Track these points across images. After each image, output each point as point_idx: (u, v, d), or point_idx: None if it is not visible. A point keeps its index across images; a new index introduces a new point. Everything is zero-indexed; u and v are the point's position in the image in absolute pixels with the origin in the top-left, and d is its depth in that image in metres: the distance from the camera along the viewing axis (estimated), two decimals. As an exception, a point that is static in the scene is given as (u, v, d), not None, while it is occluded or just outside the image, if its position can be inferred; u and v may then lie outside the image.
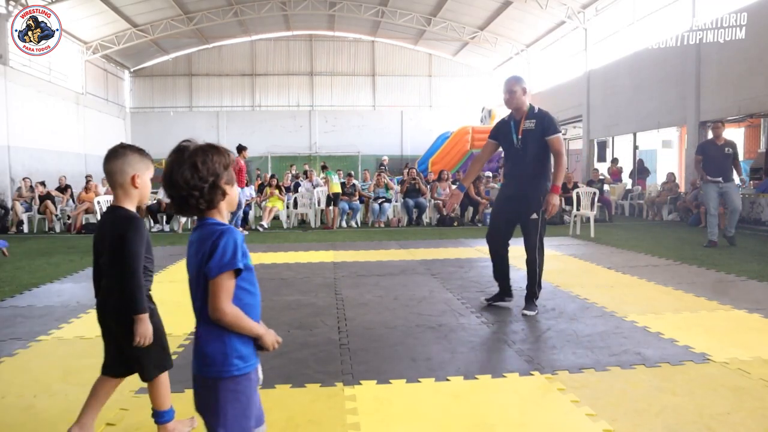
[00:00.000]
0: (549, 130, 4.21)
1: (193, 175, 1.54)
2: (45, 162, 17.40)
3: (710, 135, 8.25)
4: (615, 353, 3.30)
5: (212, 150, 1.59)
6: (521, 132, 4.27)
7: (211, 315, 1.53)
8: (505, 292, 4.53)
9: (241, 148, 10.59)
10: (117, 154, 2.18)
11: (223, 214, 1.63)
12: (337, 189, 11.65)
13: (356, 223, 12.27)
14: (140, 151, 2.23)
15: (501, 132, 4.44)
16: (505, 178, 4.55)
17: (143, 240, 2.13)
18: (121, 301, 2.11)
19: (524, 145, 4.26)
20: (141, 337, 2.11)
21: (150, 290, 2.26)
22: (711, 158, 7.84)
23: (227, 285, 1.52)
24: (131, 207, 2.20)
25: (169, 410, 2.30)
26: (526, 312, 4.26)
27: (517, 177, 4.34)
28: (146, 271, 2.18)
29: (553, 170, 4.25)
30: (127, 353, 2.20)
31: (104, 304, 2.19)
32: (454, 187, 12.08)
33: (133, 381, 2.92)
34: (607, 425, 2.38)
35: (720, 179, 7.77)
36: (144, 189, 2.22)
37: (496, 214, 4.57)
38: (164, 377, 2.29)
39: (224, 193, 1.60)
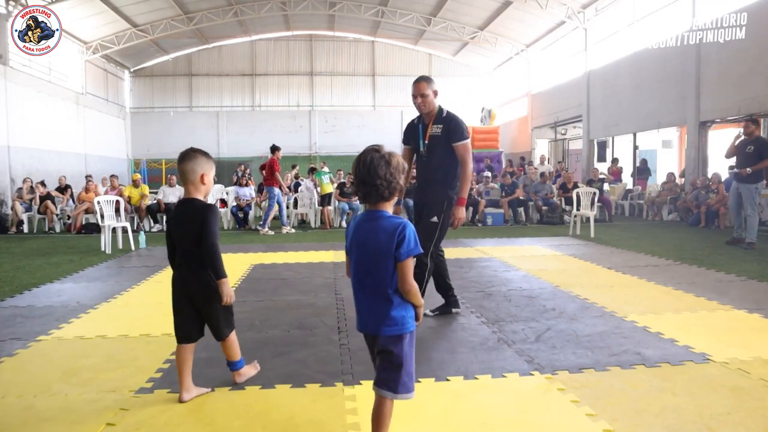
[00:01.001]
0: (455, 137, 3.98)
1: (387, 170, 2.01)
2: (45, 162, 17.39)
3: None
4: (615, 353, 3.30)
5: (397, 155, 2.07)
6: (428, 137, 4.05)
7: (402, 287, 2.01)
8: (451, 303, 4.30)
9: (275, 148, 10.98)
10: (189, 157, 2.69)
11: (390, 208, 2.09)
12: (329, 189, 11.87)
13: (356, 223, 12.27)
14: (206, 154, 2.74)
15: (411, 136, 4.21)
16: (416, 185, 4.30)
17: (218, 222, 2.66)
18: (203, 275, 2.63)
19: (430, 151, 4.06)
20: (227, 296, 2.66)
21: None
22: (737, 155, 7.84)
23: (412, 265, 2.01)
24: (201, 198, 2.71)
25: (240, 360, 2.84)
26: (428, 312, 4.17)
27: (425, 183, 4.13)
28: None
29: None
30: (206, 318, 2.72)
31: (187, 278, 2.67)
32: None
33: (134, 381, 2.92)
34: (607, 425, 2.38)
35: (738, 170, 7.71)
36: (209, 185, 2.72)
37: (416, 224, 4.22)
38: (233, 335, 2.81)
39: (401, 191, 2.08)
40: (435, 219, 4.00)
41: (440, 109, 4.10)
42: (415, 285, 2.02)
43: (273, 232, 10.64)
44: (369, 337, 2.12)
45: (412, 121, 4.29)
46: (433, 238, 4.00)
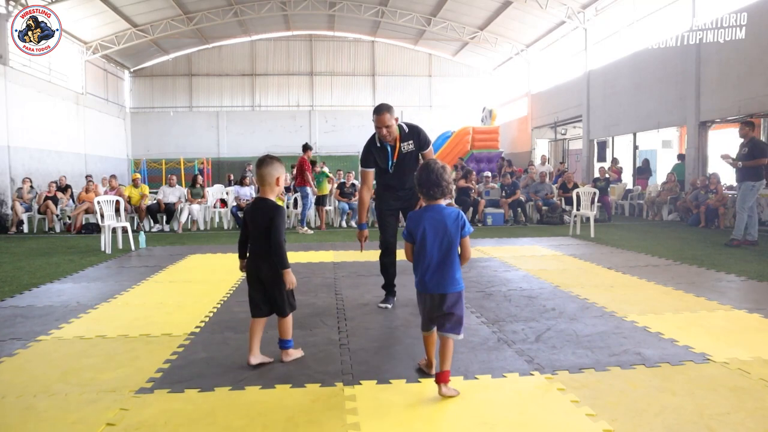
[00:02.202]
0: (425, 145, 4.35)
1: (448, 175, 2.80)
2: (45, 162, 17.40)
3: None
4: (615, 353, 3.30)
5: (447, 165, 2.88)
6: (397, 155, 4.30)
7: (465, 255, 2.79)
8: (394, 291, 4.66)
9: (306, 147, 11.15)
10: (267, 163, 3.19)
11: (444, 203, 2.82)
12: (325, 190, 12.06)
13: (356, 223, 12.27)
14: (279, 160, 3.27)
15: (381, 159, 4.37)
16: (386, 191, 4.49)
17: (284, 221, 3.17)
18: (271, 262, 3.11)
19: (399, 168, 4.33)
20: (289, 283, 3.13)
21: None
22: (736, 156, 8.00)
23: (469, 240, 2.80)
24: (273, 198, 3.21)
25: (290, 340, 3.25)
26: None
27: (399, 191, 4.43)
28: None
29: None
30: (271, 298, 3.16)
31: (258, 265, 3.15)
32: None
33: (134, 381, 2.92)
34: (607, 425, 2.38)
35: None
36: (281, 186, 3.24)
37: (388, 226, 4.49)
38: (291, 317, 3.23)
39: (452, 189, 2.85)
40: None
41: (400, 127, 4.29)
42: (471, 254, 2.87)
43: (312, 231, 10.85)
44: (430, 298, 2.76)
45: (374, 143, 4.37)
46: None
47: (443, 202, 2.82)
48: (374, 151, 4.37)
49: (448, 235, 2.73)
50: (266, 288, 3.16)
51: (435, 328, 2.81)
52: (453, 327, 2.74)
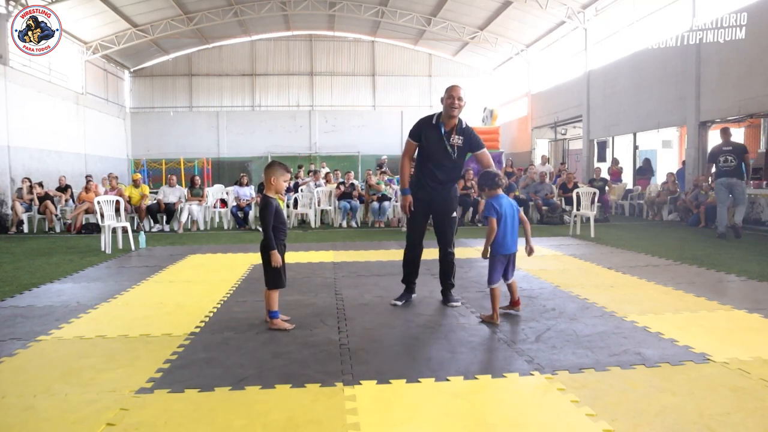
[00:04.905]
0: (478, 146, 4.50)
1: (499, 175, 4.10)
2: (45, 162, 17.39)
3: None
4: (615, 353, 3.30)
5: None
6: (455, 147, 4.42)
7: (525, 224, 4.18)
8: (413, 290, 4.73)
9: None
10: (268, 166, 3.95)
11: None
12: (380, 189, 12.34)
13: (356, 223, 12.27)
14: (281, 165, 3.97)
15: (431, 137, 4.44)
16: (427, 182, 4.50)
17: (272, 211, 3.85)
18: (262, 243, 3.90)
19: (457, 157, 4.46)
20: (274, 262, 3.84)
21: (284, 241, 3.98)
22: None
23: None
24: (272, 194, 3.91)
25: (274, 311, 3.91)
26: (454, 304, 4.54)
27: (442, 183, 4.48)
28: (280, 231, 3.92)
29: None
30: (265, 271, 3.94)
31: (262, 245, 3.92)
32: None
33: (134, 381, 2.93)
34: (607, 425, 2.38)
35: None
36: (278, 186, 3.92)
37: (417, 218, 4.59)
38: (275, 293, 3.92)
39: (503, 183, 4.17)
40: (455, 214, 4.61)
41: (460, 121, 4.47)
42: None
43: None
44: (505, 256, 4.10)
45: (430, 120, 4.52)
46: (454, 230, 4.65)
47: (499, 192, 4.08)
48: (425, 127, 4.48)
49: (514, 213, 4.09)
50: (264, 264, 3.92)
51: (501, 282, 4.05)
52: (514, 272, 4.17)
